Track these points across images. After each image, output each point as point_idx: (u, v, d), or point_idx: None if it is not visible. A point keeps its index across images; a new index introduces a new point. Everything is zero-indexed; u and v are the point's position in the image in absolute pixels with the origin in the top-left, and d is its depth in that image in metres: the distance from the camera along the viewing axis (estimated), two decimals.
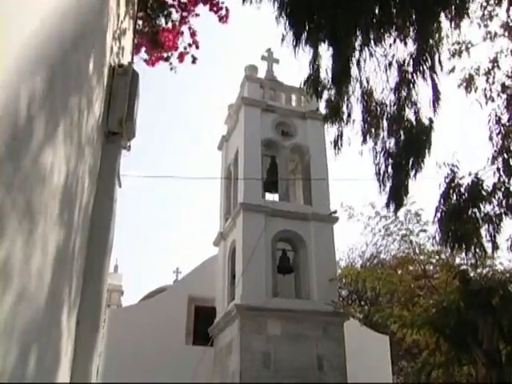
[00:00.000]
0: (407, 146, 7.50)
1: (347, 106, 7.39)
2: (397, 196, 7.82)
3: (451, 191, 8.53)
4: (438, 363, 13.39)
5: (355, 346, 13.17)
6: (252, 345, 11.47)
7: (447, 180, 8.62)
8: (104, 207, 3.44)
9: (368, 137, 7.64)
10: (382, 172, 7.66)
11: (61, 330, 2.37)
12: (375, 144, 7.72)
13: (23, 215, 1.81)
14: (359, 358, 13.57)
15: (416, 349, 19.66)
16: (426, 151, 7.40)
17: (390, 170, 7.73)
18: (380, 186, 8.18)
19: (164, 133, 62.42)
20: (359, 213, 13.46)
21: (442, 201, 8.48)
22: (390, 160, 7.68)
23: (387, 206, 8.34)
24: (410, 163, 7.45)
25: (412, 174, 7.50)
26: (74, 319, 2.71)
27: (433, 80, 7.02)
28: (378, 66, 7.14)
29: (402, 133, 7.60)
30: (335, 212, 13.40)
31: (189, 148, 63.80)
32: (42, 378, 2.04)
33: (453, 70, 9.24)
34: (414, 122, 7.39)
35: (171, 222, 61.63)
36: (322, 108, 8.09)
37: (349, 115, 7.47)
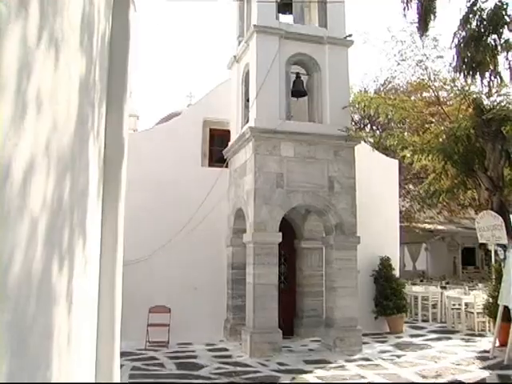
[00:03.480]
0: None
1: None
2: (425, 16, 7.51)
3: (471, 16, 8.19)
4: (446, 188, 13.93)
5: (365, 168, 13.61)
6: (266, 166, 11.88)
7: (469, 3, 8.25)
8: (120, 32, 3.45)
9: None
10: None
11: (89, 155, 2.54)
12: None
13: (49, 44, 1.88)
14: (368, 180, 14.09)
15: (424, 174, 20.32)
16: None
17: None
18: (404, 8, 7.85)
19: None
20: (375, 38, 13.11)
21: (460, 26, 8.19)
22: None
23: (418, 28, 8.04)
24: None
25: None
26: (100, 144, 2.89)
27: None
28: None
29: None
30: (350, 35, 13.01)
31: None
32: (77, 199, 2.26)
33: None
34: None
35: (184, 46, 60.21)
36: None
37: None
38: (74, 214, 2.19)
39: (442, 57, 12.94)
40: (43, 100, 1.80)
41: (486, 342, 12.55)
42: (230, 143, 14.12)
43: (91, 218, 2.59)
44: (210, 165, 14.45)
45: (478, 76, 8.85)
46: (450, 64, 10.12)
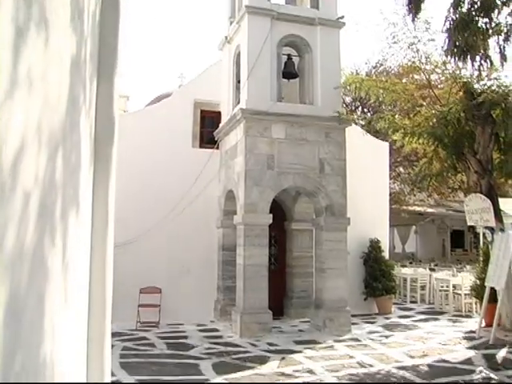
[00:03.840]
0: None
1: None
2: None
3: None
4: (436, 172, 14.02)
5: (356, 151, 13.65)
6: (256, 147, 11.88)
7: None
8: (110, 10, 3.41)
9: None
10: None
11: (80, 133, 2.54)
12: None
13: (39, 22, 1.87)
14: (359, 162, 14.14)
15: (414, 156, 20.42)
16: None
17: None
18: None
19: None
20: (367, 20, 13.08)
21: (452, 9, 8.17)
22: None
23: (409, 11, 8.00)
24: None
25: None
26: (90, 122, 2.89)
27: None
28: None
29: None
30: (342, 17, 12.97)
31: None
32: (68, 177, 2.27)
33: None
34: None
35: (176, 26, 59.71)
36: None
37: None
38: (65, 191, 2.21)
39: (433, 40, 12.93)
40: (35, 79, 1.80)
41: (473, 323, 12.74)
42: (221, 124, 14.10)
43: (83, 196, 2.60)
44: (201, 146, 14.43)
45: (468, 60, 8.85)
46: (442, 47, 10.13)
